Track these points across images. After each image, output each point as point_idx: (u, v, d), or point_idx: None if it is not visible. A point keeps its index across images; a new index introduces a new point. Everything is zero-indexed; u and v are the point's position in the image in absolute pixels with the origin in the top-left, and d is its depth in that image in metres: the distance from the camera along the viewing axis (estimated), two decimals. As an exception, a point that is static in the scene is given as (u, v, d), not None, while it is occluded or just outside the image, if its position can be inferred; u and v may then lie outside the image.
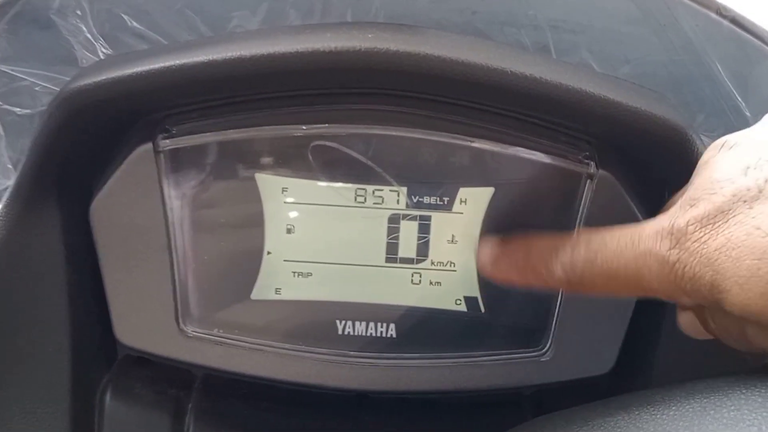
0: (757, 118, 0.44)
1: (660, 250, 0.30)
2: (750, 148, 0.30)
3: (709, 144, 0.33)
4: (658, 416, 0.29)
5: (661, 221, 0.31)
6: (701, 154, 0.37)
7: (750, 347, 0.31)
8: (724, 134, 0.39)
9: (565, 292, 0.35)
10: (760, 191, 0.28)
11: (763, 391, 0.27)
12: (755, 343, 0.29)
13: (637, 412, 0.30)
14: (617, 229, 0.33)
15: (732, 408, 0.27)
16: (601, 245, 0.33)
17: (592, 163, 0.40)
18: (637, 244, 0.31)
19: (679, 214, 0.30)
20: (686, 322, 0.34)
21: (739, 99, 0.45)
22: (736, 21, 0.42)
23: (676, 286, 0.30)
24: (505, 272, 0.39)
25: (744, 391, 0.28)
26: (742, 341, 0.30)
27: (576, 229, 0.41)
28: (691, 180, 0.32)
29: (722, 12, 0.42)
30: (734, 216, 0.28)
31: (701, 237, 0.29)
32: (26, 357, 0.42)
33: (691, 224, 0.29)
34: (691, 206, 0.30)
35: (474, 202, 0.42)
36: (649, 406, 0.30)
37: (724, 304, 0.28)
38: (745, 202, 0.28)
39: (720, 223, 0.28)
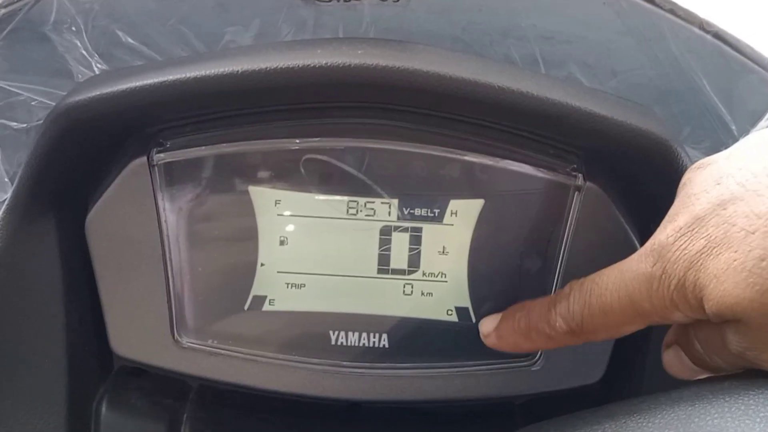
0: (741, 130, 0.45)
1: (645, 268, 0.31)
2: (722, 165, 0.31)
3: (696, 156, 0.34)
4: (644, 424, 0.29)
5: (646, 245, 0.32)
6: (686, 166, 0.38)
7: (733, 361, 0.31)
8: (710, 146, 0.40)
9: (573, 344, 0.37)
10: (733, 194, 0.29)
11: (745, 398, 0.28)
12: (736, 351, 0.30)
13: (624, 421, 0.30)
14: (604, 270, 0.35)
15: (716, 416, 0.28)
16: (592, 285, 0.35)
17: (580, 176, 0.41)
18: (624, 272, 0.33)
19: (659, 231, 0.32)
20: (671, 359, 0.35)
21: (725, 111, 0.45)
22: (719, 36, 0.43)
23: (666, 299, 0.31)
24: (510, 339, 0.40)
25: (727, 399, 0.28)
26: (725, 354, 0.31)
27: (564, 241, 0.42)
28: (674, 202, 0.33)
29: (705, 27, 0.43)
30: (711, 219, 0.29)
31: (682, 245, 0.30)
32: (22, 369, 0.42)
33: (671, 236, 0.31)
34: (670, 222, 0.31)
35: (464, 213, 0.43)
36: (635, 415, 0.30)
37: (705, 303, 0.29)
38: (719, 205, 0.29)
39: (698, 228, 0.30)
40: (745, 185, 0.29)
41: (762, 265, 0.27)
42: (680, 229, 0.30)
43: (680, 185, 0.33)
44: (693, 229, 0.30)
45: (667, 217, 0.32)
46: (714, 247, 0.29)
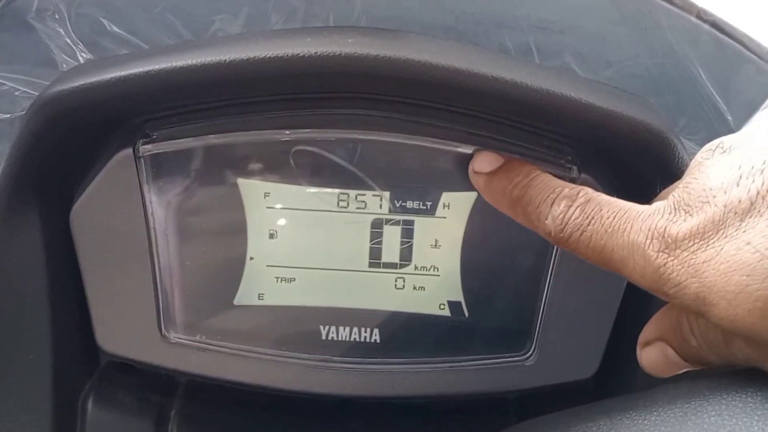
0: (738, 121, 0.45)
1: (649, 249, 0.30)
2: (743, 154, 0.29)
3: (692, 147, 0.33)
4: (639, 421, 0.29)
5: (656, 219, 0.30)
6: (682, 158, 0.37)
7: (733, 359, 0.30)
8: (706, 137, 0.39)
9: (548, 240, 0.35)
10: (752, 203, 0.27)
11: (743, 396, 0.27)
12: (740, 355, 0.29)
13: (619, 417, 0.30)
14: (615, 202, 0.32)
15: (713, 413, 0.27)
16: (596, 214, 0.32)
17: (574, 167, 0.40)
18: (628, 230, 0.31)
19: (673, 218, 0.29)
20: (653, 357, 0.34)
21: (721, 102, 0.45)
22: (716, 25, 0.42)
23: (659, 287, 0.29)
24: (496, 196, 0.38)
25: (725, 396, 0.28)
26: (725, 353, 0.30)
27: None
28: (684, 179, 0.31)
29: (702, 16, 0.42)
30: (725, 228, 0.27)
31: (691, 247, 0.28)
32: (7, 364, 0.41)
33: (683, 232, 0.29)
34: (686, 212, 0.29)
35: (457, 206, 0.42)
36: (631, 411, 0.30)
37: (709, 317, 0.28)
38: (736, 214, 0.27)
39: (711, 234, 0.28)
40: (766, 198, 0.27)
41: None
42: (692, 228, 0.28)
43: (695, 163, 0.31)
44: (705, 234, 0.28)
45: (680, 200, 0.30)
46: (722, 263, 0.27)
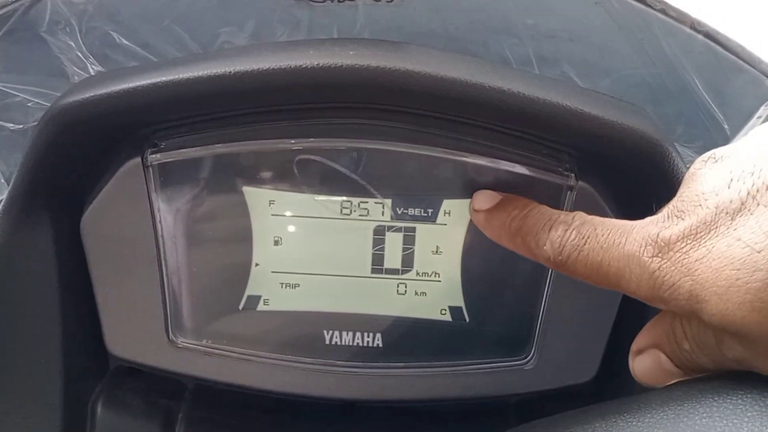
0: (734, 129, 0.45)
1: (643, 255, 0.30)
2: (735, 162, 0.30)
3: (689, 155, 0.33)
4: (633, 423, 0.29)
5: (650, 228, 0.31)
6: (678, 166, 0.38)
7: (724, 361, 0.30)
8: (703, 145, 0.39)
9: (549, 267, 0.36)
10: (743, 203, 0.28)
11: (733, 398, 0.28)
12: (731, 356, 0.30)
13: (613, 420, 0.30)
14: (609, 221, 0.34)
15: (704, 415, 0.28)
16: (591, 233, 0.34)
17: (572, 175, 0.41)
18: (623, 243, 0.32)
19: (666, 224, 0.30)
20: (647, 365, 0.34)
21: (717, 111, 0.45)
22: (710, 36, 0.43)
23: (655, 292, 0.30)
24: (496, 230, 0.39)
25: (716, 398, 0.28)
26: (716, 355, 0.31)
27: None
28: (678, 191, 0.32)
29: (696, 27, 0.43)
30: (717, 228, 0.28)
31: (684, 248, 0.29)
32: (18, 368, 0.42)
33: (675, 235, 0.30)
34: (678, 218, 0.30)
35: (457, 213, 0.43)
36: (625, 414, 0.30)
37: (702, 315, 0.28)
38: (727, 213, 0.28)
39: (703, 234, 0.29)
40: (756, 197, 0.28)
41: None
42: (684, 230, 0.29)
43: (688, 175, 0.32)
44: (698, 234, 0.29)
45: (674, 208, 0.31)
46: (714, 259, 0.28)
